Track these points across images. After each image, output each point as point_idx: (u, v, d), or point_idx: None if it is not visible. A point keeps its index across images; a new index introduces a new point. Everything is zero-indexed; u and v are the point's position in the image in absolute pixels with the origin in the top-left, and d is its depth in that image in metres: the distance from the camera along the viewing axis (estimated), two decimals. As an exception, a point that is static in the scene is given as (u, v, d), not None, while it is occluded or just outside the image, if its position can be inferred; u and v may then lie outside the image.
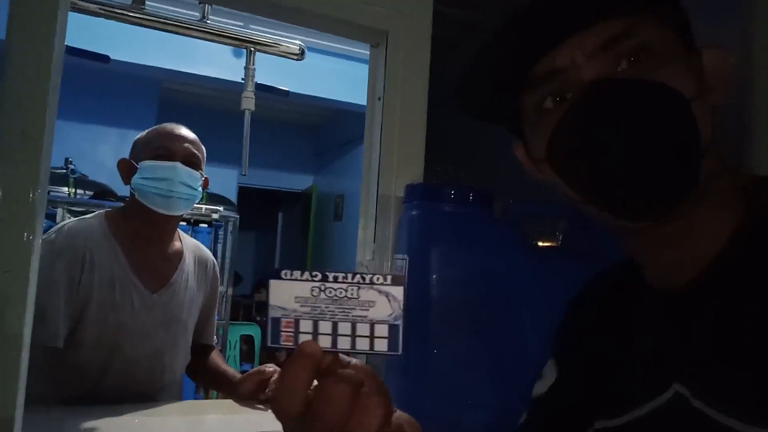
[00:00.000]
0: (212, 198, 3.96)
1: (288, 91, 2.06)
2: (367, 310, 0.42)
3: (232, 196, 4.83)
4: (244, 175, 1.66)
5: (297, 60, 1.62)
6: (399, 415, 0.46)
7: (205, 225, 3.80)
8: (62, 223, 1.48)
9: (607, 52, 0.51)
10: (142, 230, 1.47)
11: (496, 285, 0.93)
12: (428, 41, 1.18)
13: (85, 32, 2.37)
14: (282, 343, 0.42)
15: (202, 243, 1.69)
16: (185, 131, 1.49)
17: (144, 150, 1.45)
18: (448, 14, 1.23)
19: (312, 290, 0.42)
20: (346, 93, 3.93)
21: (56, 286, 1.31)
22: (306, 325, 0.42)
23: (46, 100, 0.93)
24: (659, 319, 0.56)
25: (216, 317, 1.75)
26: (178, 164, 1.42)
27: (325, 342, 0.42)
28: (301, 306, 0.42)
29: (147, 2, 1.44)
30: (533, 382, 0.71)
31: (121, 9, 1.38)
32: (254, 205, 5.78)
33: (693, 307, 0.52)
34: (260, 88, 1.63)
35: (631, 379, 0.56)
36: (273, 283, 0.43)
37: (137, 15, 1.41)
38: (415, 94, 1.18)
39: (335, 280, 0.42)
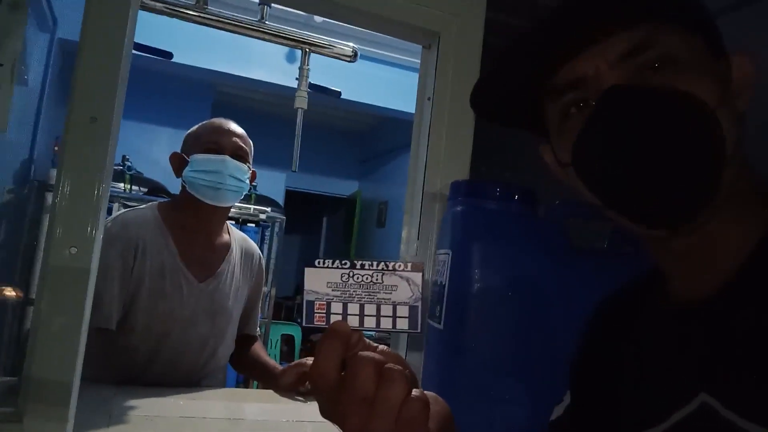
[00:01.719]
0: (260, 199, 4.05)
1: (340, 92, 2.10)
2: (390, 293, 0.48)
3: (280, 199, 4.92)
4: (294, 171, 1.70)
5: (350, 62, 1.66)
6: (428, 393, 0.48)
7: (253, 225, 3.89)
8: (117, 213, 1.55)
9: (628, 61, 0.52)
10: (192, 221, 1.52)
11: (537, 284, 0.94)
12: (479, 44, 1.20)
13: (147, 34, 2.47)
14: (316, 323, 0.48)
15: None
16: (234, 126, 1.54)
17: (194, 144, 1.51)
18: (499, 20, 1.24)
19: (342, 276, 0.48)
20: (393, 100, 3.97)
21: (111, 272, 1.37)
22: (336, 307, 0.48)
23: (116, 89, 0.98)
24: (682, 329, 0.55)
25: (259, 310, 1.79)
26: (227, 157, 1.48)
27: (353, 321, 0.47)
28: (333, 290, 0.48)
29: (209, 6, 1.51)
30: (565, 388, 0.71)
31: (184, 8, 1.44)
32: (300, 209, 5.87)
33: (719, 317, 0.51)
34: (313, 88, 1.67)
35: (653, 393, 0.55)
36: (308, 271, 0.48)
37: (200, 14, 1.47)
38: (464, 96, 1.19)
39: (362, 267, 0.48)
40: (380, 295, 0.48)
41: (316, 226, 7.18)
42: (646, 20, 0.51)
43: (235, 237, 1.64)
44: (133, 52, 1.07)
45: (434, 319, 1.00)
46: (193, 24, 1.53)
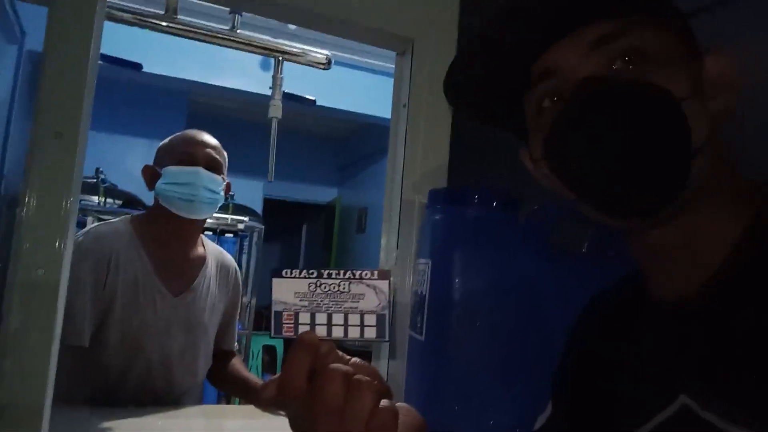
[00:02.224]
0: (238, 208, 4.01)
1: (314, 100, 2.09)
2: (358, 302, 0.48)
3: (258, 207, 4.88)
4: (270, 181, 1.68)
5: (324, 69, 1.65)
6: (399, 404, 0.48)
7: (231, 235, 3.85)
8: (90, 227, 1.52)
9: (598, 50, 0.52)
10: (166, 234, 1.49)
11: (520, 290, 0.93)
12: (454, 49, 1.19)
13: (117, 42, 2.43)
14: (284, 334, 0.48)
15: (228, 252, 1.71)
16: (207, 137, 1.52)
17: (167, 156, 1.48)
18: (473, 24, 1.24)
19: (309, 286, 0.48)
20: (370, 106, 3.96)
21: (82, 287, 1.34)
22: (305, 317, 0.48)
23: (82, 103, 0.95)
24: (662, 331, 0.55)
25: (238, 325, 1.76)
26: (201, 169, 1.45)
27: (321, 331, 0.48)
28: (300, 300, 0.48)
29: (179, 16, 1.48)
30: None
31: (154, 18, 1.42)
32: (279, 217, 5.82)
33: (697, 317, 0.51)
34: (287, 97, 1.65)
35: (634, 396, 0.55)
36: (275, 281, 0.48)
37: (169, 24, 1.45)
38: (440, 102, 1.19)
39: (329, 276, 0.48)
40: (347, 304, 0.47)
41: (296, 234, 7.14)
42: (618, 14, 0.52)
43: (211, 250, 1.61)
44: (101, 63, 1.05)
45: (415, 329, 0.99)
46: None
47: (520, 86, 0.59)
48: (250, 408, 1.49)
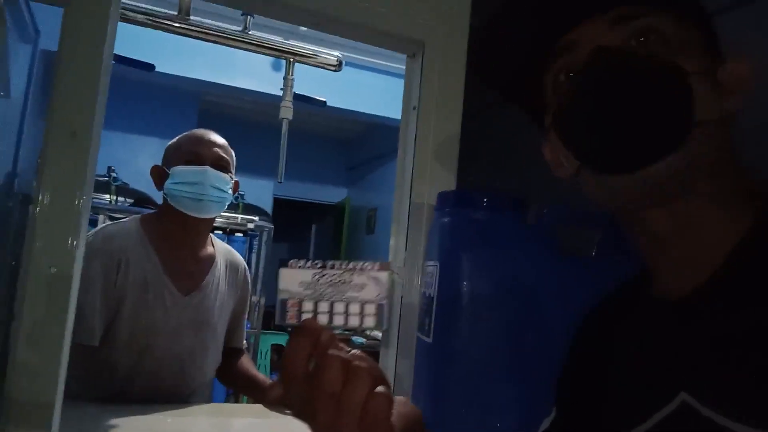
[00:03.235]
0: (248, 208, 4.03)
1: (325, 102, 2.09)
2: (358, 292, 0.50)
3: (268, 207, 4.89)
4: (281, 182, 1.69)
5: (335, 71, 1.65)
6: (395, 397, 0.50)
7: (241, 234, 3.86)
8: (100, 226, 1.53)
9: (616, 28, 0.54)
10: (175, 233, 1.50)
11: (528, 293, 0.93)
12: (464, 52, 1.19)
13: (131, 44, 2.46)
14: (288, 321, 0.50)
15: (237, 252, 1.72)
16: (214, 136, 1.53)
17: (175, 156, 1.50)
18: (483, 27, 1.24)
19: (314, 276, 0.50)
20: (380, 107, 3.96)
21: (93, 286, 1.35)
22: (308, 305, 0.50)
23: (95, 104, 0.97)
24: (662, 329, 0.56)
25: (247, 324, 1.77)
26: (208, 168, 1.46)
27: (323, 319, 0.49)
28: (305, 289, 0.50)
29: (192, 17, 1.49)
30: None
31: (166, 19, 1.43)
32: (288, 217, 5.84)
33: (698, 315, 0.52)
34: (298, 98, 1.66)
35: (634, 394, 0.56)
36: (282, 271, 0.50)
37: (182, 26, 1.46)
38: (450, 105, 1.19)
39: (332, 267, 0.50)
40: (349, 293, 0.50)
41: (305, 234, 7.16)
42: (645, 3, 0.54)
43: (220, 249, 1.62)
44: (114, 64, 1.06)
45: (423, 332, 0.99)
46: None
47: (542, 67, 0.61)
48: (259, 407, 1.50)
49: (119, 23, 1.07)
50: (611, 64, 0.53)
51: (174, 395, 1.46)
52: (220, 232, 3.72)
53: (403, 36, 1.19)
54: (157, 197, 1.51)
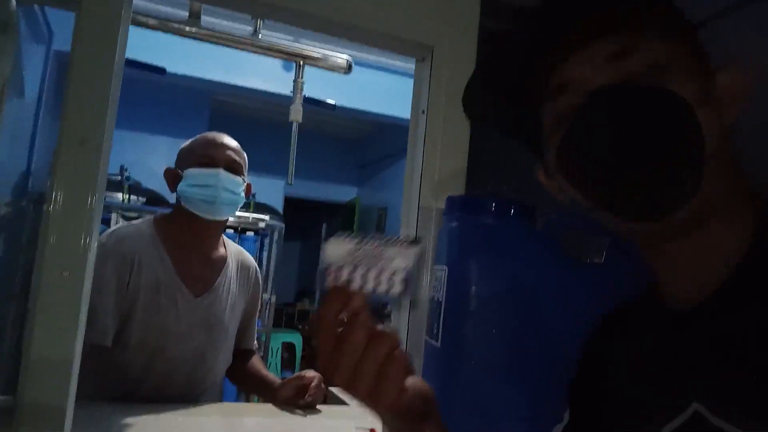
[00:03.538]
0: (259, 207, 4.05)
1: (335, 105, 2.10)
2: (390, 262, 0.55)
3: (279, 206, 4.91)
4: (290, 184, 1.70)
5: (344, 74, 1.66)
6: (415, 378, 0.56)
7: (252, 233, 3.88)
8: (113, 228, 1.55)
9: (613, 64, 0.53)
10: (187, 235, 1.52)
11: (536, 299, 0.93)
12: (473, 56, 1.19)
13: (142, 45, 2.48)
14: (325, 286, 0.56)
15: (248, 251, 1.73)
16: (227, 139, 1.54)
17: (188, 158, 1.51)
18: (494, 31, 1.23)
19: (354, 247, 0.56)
20: (390, 106, 3.96)
21: (106, 287, 1.37)
22: (344, 273, 0.55)
23: (106, 110, 0.97)
24: (674, 339, 0.56)
25: (258, 323, 1.78)
26: (221, 171, 1.47)
27: (356, 283, 0.55)
28: (345, 257, 0.56)
29: (202, 17, 1.51)
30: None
31: (178, 23, 1.44)
32: (299, 216, 5.86)
33: (709, 324, 0.52)
34: (308, 101, 1.67)
35: (648, 404, 0.56)
36: (331, 240, 0.57)
37: (193, 29, 1.47)
38: (459, 108, 1.18)
39: (372, 240, 0.56)
40: (382, 263, 0.55)
41: (316, 233, 7.16)
42: (632, 27, 0.53)
43: (231, 250, 1.63)
44: (125, 68, 1.07)
45: (431, 336, 0.99)
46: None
47: (536, 99, 0.59)
48: (269, 406, 1.51)
49: (131, 27, 1.08)
50: (619, 108, 0.51)
51: (185, 395, 1.47)
52: (232, 231, 3.75)
53: (411, 40, 1.19)
54: (170, 196, 1.52)
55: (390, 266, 0.55)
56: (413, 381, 0.56)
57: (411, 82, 1.28)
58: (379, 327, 0.52)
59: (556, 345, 0.88)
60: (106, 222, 3.18)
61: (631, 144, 0.50)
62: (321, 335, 0.52)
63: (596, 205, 0.55)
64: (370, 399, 0.53)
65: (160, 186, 3.70)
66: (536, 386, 0.92)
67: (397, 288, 0.54)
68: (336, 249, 0.56)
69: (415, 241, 0.55)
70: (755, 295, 0.49)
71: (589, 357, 0.71)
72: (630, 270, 0.90)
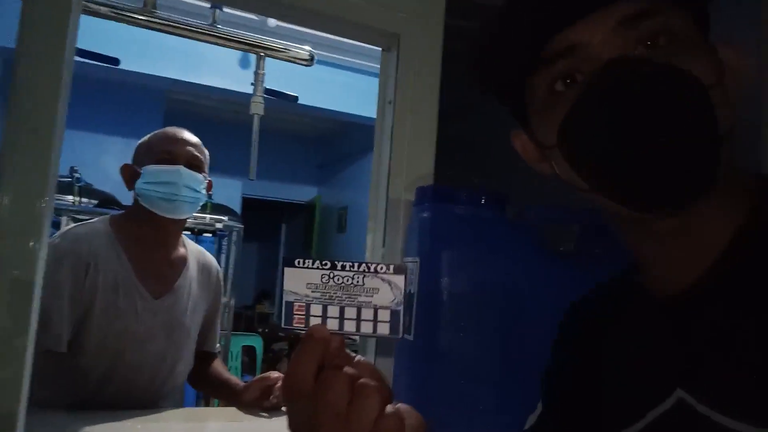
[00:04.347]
0: (216, 208, 3.96)
1: (297, 97, 2.06)
2: (372, 296, 0.46)
3: (236, 207, 4.82)
4: (252, 179, 1.66)
5: (306, 65, 1.62)
6: (401, 406, 0.46)
7: (209, 234, 3.80)
8: (67, 227, 1.48)
9: (625, 30, 0.49)
10: (146, 235, 1.46)
11: (508, 289, 0.92)
12: (440, 45, 1.18)
13: (94, 37, 2.39)
14: (294, 326, 0.46)
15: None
16: (187, 134, 1.49)
17: (147, 155, 1.45)
18: (459, 23, 1.23)
19: (322, 277, 0.46)
20: (351, 105, 3.95)
21: (60, 290, 1.30)
22: (316, 309, 0.46)
23: (57, 101, 0.93)
24: (657, 326, 0.55)
25: (218, 326, 1.74)
26: (182, 167, 1.42)
27: (333, 325, 0.46)
28: (312, 292, 0.46)
29: (158, 8, 1.45)
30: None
31: (132, 12, 1.38)
32: (258, 216, 5.78)
33: (694, 311, 0.51)
34: (269, 93, 1.63)
35: (630, 391, 0.55)
36: (287, 271, 0.46)
37: (148, 19, 1.41)
38: (426, 98, 1.17)
39: (343, 268, 0.46)
40: (361, 297, 0.46)
41: (275, 234, 7.10)
42: None
43: (192, 250, 1.58)
44: (77, 59, 1.02)
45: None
46: (141, 29, 1.47)
47: (530, 63, 0.54)
48: (231, 410, 1.47)
49: (82, 16, 1.03)
50: (632, 84, 0.47)
51: (146, 400, 1.41)
52: (189, 232, 3.66)
53: (377, 29, 1.18)
54: (123, 198, 1.46)
55: (372, 301, 0.46)
56: (409, 424, 0.47)
57: (373, 81, 1.26)
58: (362, 375, 0.43)
59: (531, 335, 0.88)
60: (56, 225, 3.05)
61: (645, 127, 0.46)
62: (294, 395, 0.43)
63: (600, 191, 0.51)
64: None
65: (112, 187, 3.59)
66: (512, 377, 0.91)
67: (383, 328, 0.46)
68: (300, 278, 0.46)
69: (400, 268, 0.46)
70: (741, 283, 0.48)
71: (562, 343, 0.70)
72: (604, 259, 0.90)
